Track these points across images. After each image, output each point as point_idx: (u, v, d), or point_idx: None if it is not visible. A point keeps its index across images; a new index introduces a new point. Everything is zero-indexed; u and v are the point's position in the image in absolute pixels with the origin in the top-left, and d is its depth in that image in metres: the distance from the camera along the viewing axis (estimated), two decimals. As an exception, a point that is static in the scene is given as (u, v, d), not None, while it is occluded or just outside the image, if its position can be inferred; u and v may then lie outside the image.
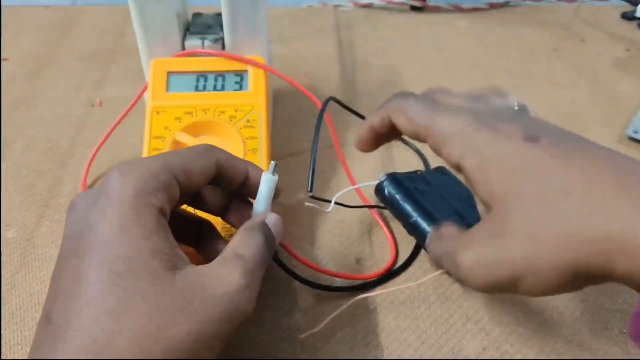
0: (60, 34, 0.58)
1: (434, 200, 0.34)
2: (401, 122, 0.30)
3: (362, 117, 0.44)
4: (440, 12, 0.63)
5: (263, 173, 0.29)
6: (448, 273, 0.29)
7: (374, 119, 0.32)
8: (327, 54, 0.56)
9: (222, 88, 0.39)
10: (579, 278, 0.23)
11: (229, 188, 0.29)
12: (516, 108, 0.29)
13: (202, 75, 0.39)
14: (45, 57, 0.54)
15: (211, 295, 0.23)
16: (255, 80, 0.39)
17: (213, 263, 0.25)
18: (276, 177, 0.29)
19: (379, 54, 0.56)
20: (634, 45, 0.58)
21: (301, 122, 0.47)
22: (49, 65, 0.53)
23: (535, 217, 0.23)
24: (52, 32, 0.58)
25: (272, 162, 0.29)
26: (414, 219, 0.33)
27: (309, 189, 0.35)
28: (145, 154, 0.36)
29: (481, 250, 0.25)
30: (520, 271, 0.23)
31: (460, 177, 0.37)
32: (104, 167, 0.42)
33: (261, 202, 0.29)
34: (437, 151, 0.28)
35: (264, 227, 0.27)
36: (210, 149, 0.28)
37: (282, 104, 0.48)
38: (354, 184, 0.40)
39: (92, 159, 0.42)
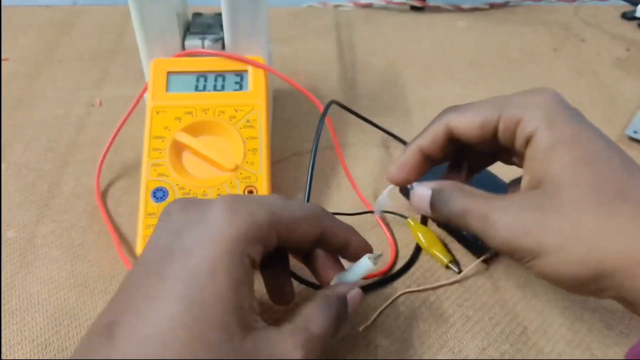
0: (60, 34, 0.58)
1: None
2: (465, 122, 0.28)
3: (364, 119, 0.44)
4: (440, 12, 0.63)
5: (365, 256, 0.28)
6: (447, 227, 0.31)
7: (422, 140, 0.30)
8: (327, 54, 0.56)
9: (222, 88, 0.39)
10: (591, 282, 0.24)
11: (325, 249, 0.29)
12: None
13: (202, 75, 0.39)
14: (45, 57, 0.54)
15: None
16: (255, 80, 0.39)
17: (283, 329, 0.25)
18: (376, 267, 0.28)
19: (379, 54, 0.56)
20: (634, 45, 0.58)
21: (301, 122, 0.47)
22: (49, 65, 0.53)
23: (583, 210, 0.24)
24: (52, 32, 0.58)
25: (379, 253, 0.29)
26: None
27: None
28: (145, 154, 0.36)
29: (522, 215, 0.25)
30: (547, 248, 0.24)
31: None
32: (104, 167, 0.42)
33: (352, 275, 0.29)
34: (507, 133, 0.27)
35: (341, 302, 0.27)
36: (321, 214, 0.28)
37: (282, 104, 0.48)
38: (353, 184, 0.40)
39: (103, 160, 0.41)
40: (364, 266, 0.29)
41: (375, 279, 0.35)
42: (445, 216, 0.28)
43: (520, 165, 0.29)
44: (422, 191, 0.29)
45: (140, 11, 0.37)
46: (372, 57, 0.56)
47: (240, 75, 0.39)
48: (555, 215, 0.25)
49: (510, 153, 0.30)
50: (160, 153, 0.36)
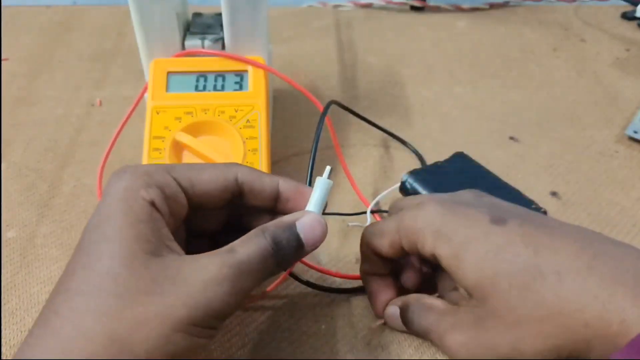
0: (60, 34, 0.58)
1: (458, 187, 0.34)
2: (378, 246, 0.30)
3: (364, 119, 0.44)
4: (440, 12, 0.63)
5: (317, 178, 0.28)
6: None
7: (365, 266, 0.32)
8: (327, 54, 0.56)
9: (222, 88, 0.39)
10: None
11: (261, 206, 0.29)
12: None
13: (202, 75, 0.39)
14: (45, 57, 0.54)
15: (183, 280, 0.23)
16: (255, 80, 0.39)
17: (202, 254, 0.25)
18: (331, 182, 0.28)
19: (379, 53, 0.56)
20: (634, 45, 0.58)
21: (301, 122, 0.47)
22: (49, 65, 0.53)
23: (514, 301, 0.24)
24: (52, 32, 0.58)
25: (327, 167, 0.28)
26: None
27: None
28: (145, 154, 0.36)
29: (467, 334, 0.26)
30: (506, 355, 0.25)
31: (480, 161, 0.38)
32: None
33: (312, 203, 0.28)
34: (413, 250, 0.28)
35: (284, 230, 0.26)
36: (230, 164, 0.28)
37: (282, 104, 0.48)
38: (353, 184, 0.40)
39: (105, 161, 0.41)
40: (321, 186, 0.28)
41: (375, 279, 0.35)
42: (415, 332, 0.30)
43: None
44: (391, 310, 0.31)
45: (140, 11, 0.37)
46: (372, 57, 0.56)
47: (240, 75, 0.39)
48: (496, 325, 0.25)
49: None
50: (160, 153, 0.36)
